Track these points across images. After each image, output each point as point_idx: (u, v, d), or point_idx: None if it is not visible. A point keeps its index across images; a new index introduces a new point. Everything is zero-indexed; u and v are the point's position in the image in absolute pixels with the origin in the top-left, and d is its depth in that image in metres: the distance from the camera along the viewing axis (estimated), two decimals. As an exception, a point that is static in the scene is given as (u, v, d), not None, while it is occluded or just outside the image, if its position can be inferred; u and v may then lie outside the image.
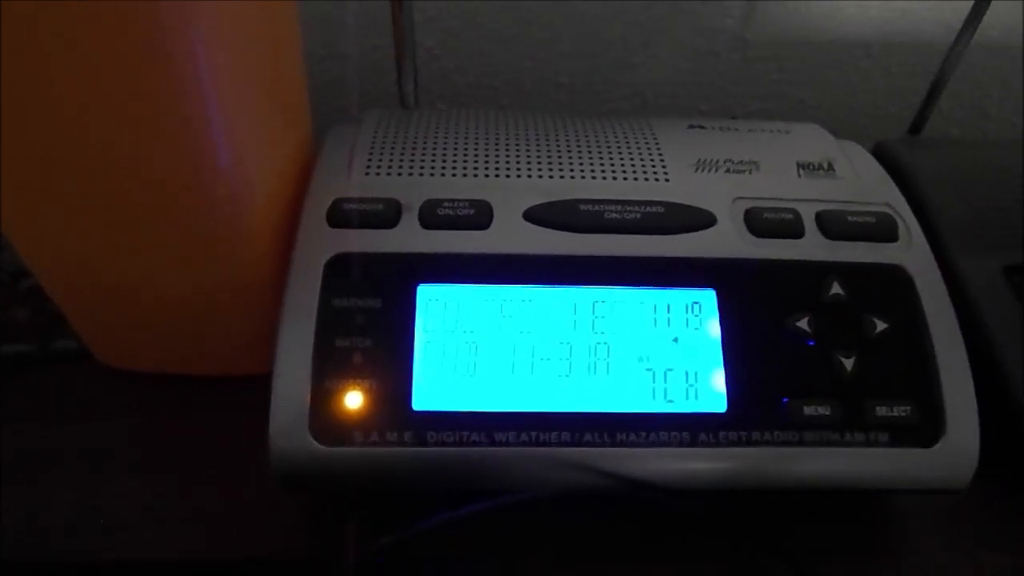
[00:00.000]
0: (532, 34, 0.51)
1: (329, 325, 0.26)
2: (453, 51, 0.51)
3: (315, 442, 0.25)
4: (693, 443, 0.26)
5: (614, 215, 0.29)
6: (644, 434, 0.26)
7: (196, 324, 0.29)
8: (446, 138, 0.32)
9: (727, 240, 0.28)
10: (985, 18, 0.50)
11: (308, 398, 0.25)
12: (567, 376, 0.26)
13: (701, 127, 0.34)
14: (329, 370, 0.25)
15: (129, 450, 0.29)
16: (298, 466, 0.25)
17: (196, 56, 0.22)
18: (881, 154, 0.38)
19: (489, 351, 0.26)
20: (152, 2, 0.20)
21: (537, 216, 0.28)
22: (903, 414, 0.26)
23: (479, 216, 0.28)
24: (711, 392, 0.26)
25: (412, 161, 0.30)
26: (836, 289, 0.28)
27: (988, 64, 0.53)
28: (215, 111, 0.24)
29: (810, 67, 0.53)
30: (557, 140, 0.32)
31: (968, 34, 0.37)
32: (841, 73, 0.54)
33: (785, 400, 0.26)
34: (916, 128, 0.40)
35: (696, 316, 0.27)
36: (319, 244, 0.27)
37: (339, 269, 0.27)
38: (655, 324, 0.27)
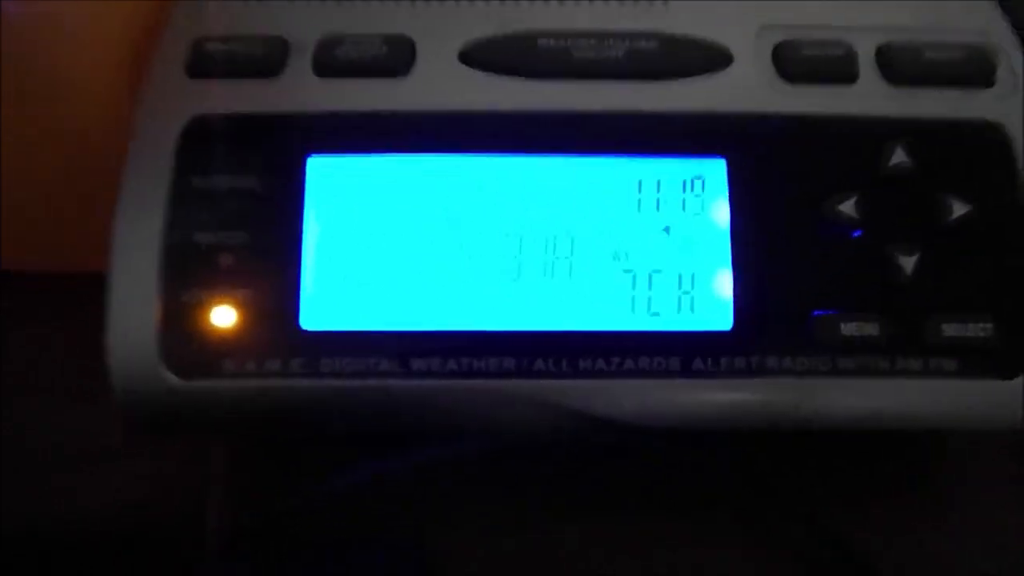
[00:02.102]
0: None
1: (185, 214, 0.19)
2: None
3: (171, 374, 0.18)
4: (685, 373, 0.19)
5: (587, 53, 0.20)
6: (618, 360, 0.19)
7: (51, 210, 0.23)
8: (362, -54, 0.23)
9: (747, 87, 0.20)
10: None
11: (158, 315, 0.18)
12: (515, 280, 0.19)
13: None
14: (185, 276, 0.19)
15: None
16: (151, 405, 0.19)
17: None
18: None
19: (406, 247, 0.19)
20: None
21: (478, 56, 0.20)
22: (982, 333, 0.19)
23: (396, 57, 0.20)
24: (713, 302, 0.19)
25: (312, -20, 0.22)
26: (900, 157, 0.20)
27: None
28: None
29: None
30: (516, -54, 0.23)
31: None
32: None
33: (816, 314, 0.19)
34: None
35: (697, 197, 0.20)
36: (173, 102, 0.20)
37: (200, 136, 0.19)
38: (639, 208, 0.20)
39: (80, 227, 0.24)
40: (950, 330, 0.19)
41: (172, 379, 0.18)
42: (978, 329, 0.19)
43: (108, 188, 0.20)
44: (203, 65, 0.20)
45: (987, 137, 0.20)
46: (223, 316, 0.19)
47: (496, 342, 0.19)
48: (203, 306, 0.19)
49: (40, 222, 0.24)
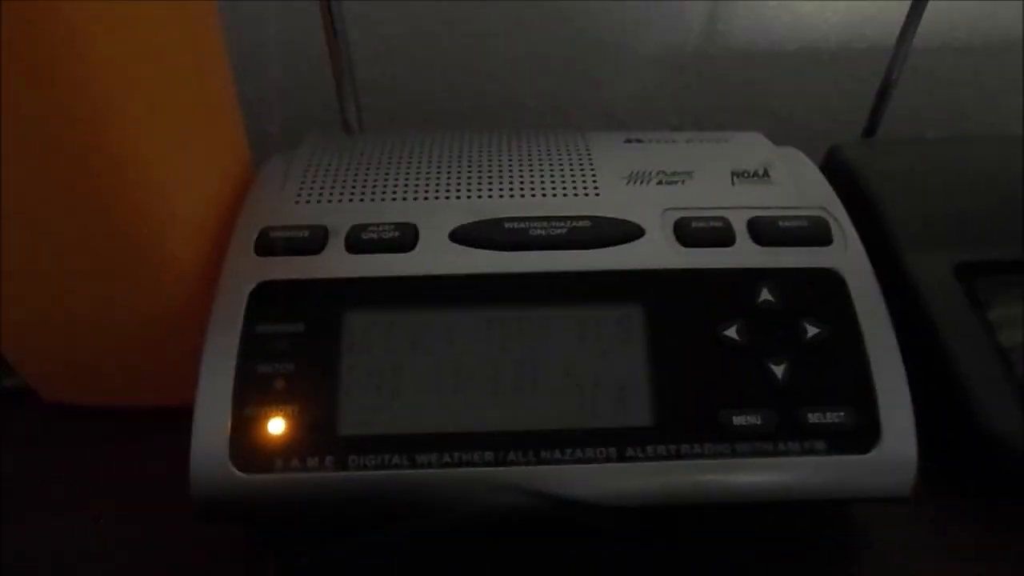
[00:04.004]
0: (495, 58, 0.51)
1: (251, 352, 0.26)
2: (417, 78, 0.52)
3: (235, 470, 0.25)
4: (620, 458, 0.25)
5: (539, 231, 0.28)
6: (570, 451, 0.25)
7: (130, 354, 0.30)
8: (379, 162, 0.32)
9: (655, 251, 0.28)
10: (951, 19, 0.50)
11: (229, 425, 0.25)
12: (492, 396, 0.26)
13: (639, 141, 0.34)
14: (250, 396, 0.25)
15: (58, 484, 0.30)
16: (217, 495, 0.25)
17: (106, 87, 0.23)
18: (834, 158, 0.38)
19: (413, 373, 0.26)
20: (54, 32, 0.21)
21: (463, 236, 0.28)
22: (837, 420, 0.25)
23: (404, 239, 0.28)
24: (639, 406, 0.26)
25: (343, 187, 0.31)
26: (766, 295, 0.27)
27: (959, 64, 0.53)
28: (131, 147, 0.25)
29: (777, 77, 0.53)
30: (489, 159, 0.32)
31: (909, 35, 0.36)
32: (809, 80, 0.53)
33: (716, 410, 0.25)
34: (870, 130, 0.40)
35: (624, 330, 0.27)
36: (245, 272, 0.27)
37: (264, 296, 0.27)
38: (582, 340, 0.27)
39: (151, 368, 0.31)
40: (815, 418, 0.25)
41: (235, 473, 0.25)
42: (835, 416, 0.25)
43: (180, 337, 0.27)
44: (267, 246, 0.28)
45: (828, 279, 0.27)
46: (277, 425, 0.25)
47: (479, 440, 0.25)
48: (262, 418, 0.25)
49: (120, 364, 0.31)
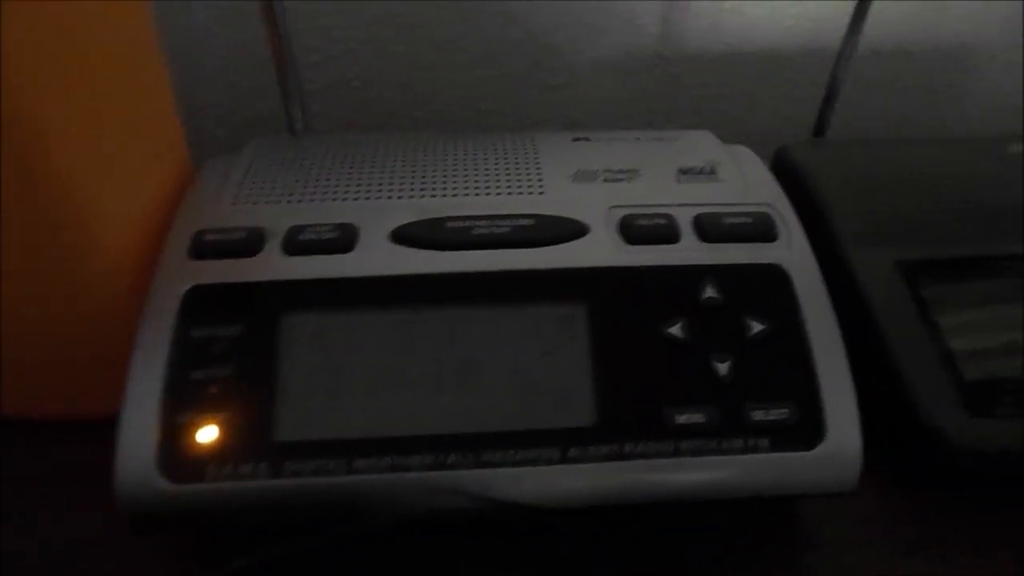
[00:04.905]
0: (451, 61, 0.51)
1: (182, 356, 0.25)
2: (373, 82, 0.51)
3: (164, 479, 0.24)
4: (563, 460, 0.25)
5: (482, 230, 0.28)
6: (511, 452, 0.25)
7: (60, 362, 0.29)
8: (321, 163, 0.31)
9: (599, 249, 0.28)
10: (900, 26, 0.50)
11: (157, 432, 0.24)
12: (432, 398, 0.25)
13: (586, 139, 0.33)
14: (180, 402, 0.24)
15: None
16: (146, 505, 0.24)
17: (32, 90, 0.23)
18: (781, 158, 0.38)
19: (351, 375, 0.25)
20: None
21: (404, 236, 0.28)
22: (782, 416, 0.25)
23: (343, 239, 0.28)
24: (582, 405, 0.25)
25: (283, 188, 0.30)
26: (711, 292, 0.27)
27: (908, 69, 0.53)
28: (61, 151, 0.24)
29: (733, 80, 0.53)
30: (434, 159, 0.32)
31: (854, 37, 0.37)
32: (765, 85, 0.54)
33: (658, 408, 0.25)
34: (819, 131, 0.40)
35: (568, 329, 0.26)
36: (178, 275, 0.27)
37: (197, 300, 0.26)
38: (524, 339, 0.26)
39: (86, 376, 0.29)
40: (759, 415, 0.25)
41: (164, 483, 0.24)
42: (779, 413, 0.25)
43: (112, 345, 0.26)
44: (201, 250, 0.27)
45: (772, 275, 0.27)
46: (208, 433, 0.24)
47: (419, 444, 0.24)
48: (193, 426, 0.24)
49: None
